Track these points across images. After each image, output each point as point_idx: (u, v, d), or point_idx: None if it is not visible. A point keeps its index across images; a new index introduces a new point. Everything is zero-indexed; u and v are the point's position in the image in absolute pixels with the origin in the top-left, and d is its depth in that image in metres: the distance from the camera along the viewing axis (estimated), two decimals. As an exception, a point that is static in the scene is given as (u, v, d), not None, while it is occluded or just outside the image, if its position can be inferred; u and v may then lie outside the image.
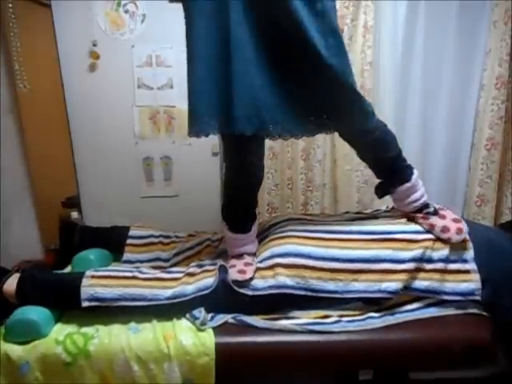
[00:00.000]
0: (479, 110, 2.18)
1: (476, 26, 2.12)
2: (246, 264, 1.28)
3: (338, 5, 1.98)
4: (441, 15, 2.09)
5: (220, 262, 1.32)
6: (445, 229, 1.25)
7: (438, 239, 1.26)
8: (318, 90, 1.16)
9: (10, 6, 1.79)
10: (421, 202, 1.34)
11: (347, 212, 1.67)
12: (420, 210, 1.33)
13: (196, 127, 1.15)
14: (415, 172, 1.37)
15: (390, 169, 1.37)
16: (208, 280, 1.25)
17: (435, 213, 1.31)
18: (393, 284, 1.22)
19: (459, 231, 1.24)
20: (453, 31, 2.10)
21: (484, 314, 1.23)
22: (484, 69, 2.13)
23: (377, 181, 1.45)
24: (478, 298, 1.22)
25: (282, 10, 1.07)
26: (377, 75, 2.15)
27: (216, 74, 1.11)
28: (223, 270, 1.28)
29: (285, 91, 1.14)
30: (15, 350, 1.11)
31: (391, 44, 2.13)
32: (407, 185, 1.33)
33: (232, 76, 1.09)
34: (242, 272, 1.24)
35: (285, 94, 1.15)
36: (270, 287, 1.23)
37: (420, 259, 1.24)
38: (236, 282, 1.23)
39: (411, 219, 1.35)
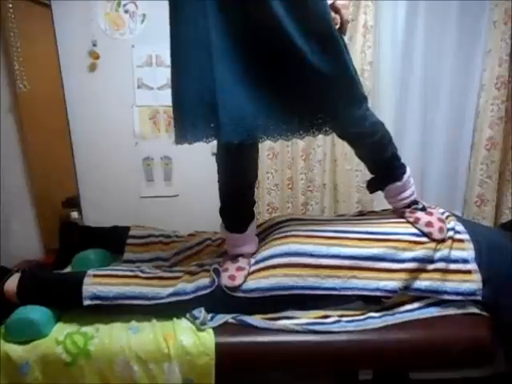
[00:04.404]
0: (479, 110, 2.18)
1: (476, 26, 2.12)
2: (238, 269, 1.27)
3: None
4: (441, 15, 2.09)
5: (215, 265, 1.31)
6: (429, 224, 1.31)
7: (433, 240, 1.27)
8: (305, 90, 1.13)
9: (10, 6, 1.79)
10: (410, 199, 1.39)
11: (344, 215, 1.69)
12: (409, 205, 1.39)
13: (183, 137, 1.12)
14: (407, 171, 1.41)
15: (383, 168, 1.42)
16: (206, 280, 1.26)
17: (423, 209, 1.38)
18: (392, 283, 1.23)
19: (441, 230, 1.29)
20: (453, 31, 2.11)
21: (484, 313, 1.23)
22: (484, 69, 2.13)
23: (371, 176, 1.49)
24: (478, 298, 1.22)
25: (260, 9, 1.04)
26: (377, 75, 2.15)
27: (199, 82, 1.08)
28: (217, 273, 1.27)
29: (269, 95, 1.11)
30: (15, 350, 1.11)
31: (391, 44, 2.13)
32: (398, 183, 1.39)
33: (214, 84, 1.06)
34: (232, 278, 1.25)
35: (269, 98, 1.11)
36: (262, 290, 1.23)
37: (422, 260, 1.25)
38: (226, 286, 1.24)
39: (400, 213, 1.41)
